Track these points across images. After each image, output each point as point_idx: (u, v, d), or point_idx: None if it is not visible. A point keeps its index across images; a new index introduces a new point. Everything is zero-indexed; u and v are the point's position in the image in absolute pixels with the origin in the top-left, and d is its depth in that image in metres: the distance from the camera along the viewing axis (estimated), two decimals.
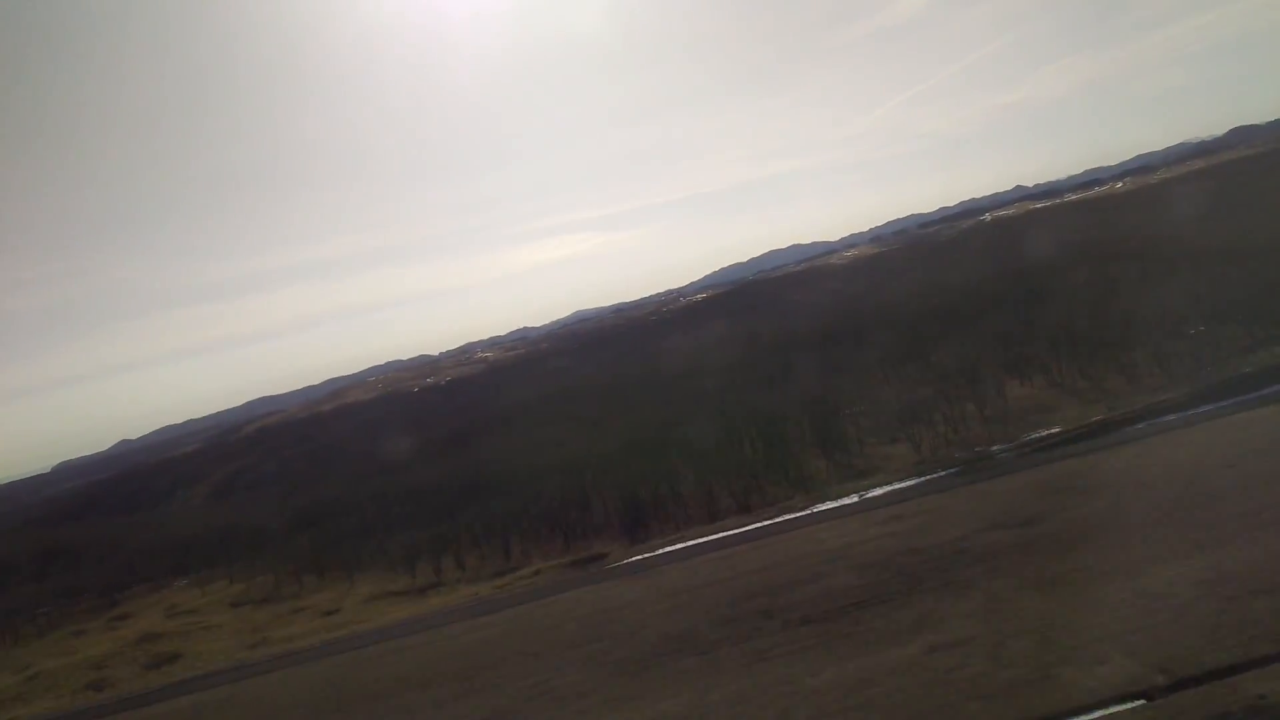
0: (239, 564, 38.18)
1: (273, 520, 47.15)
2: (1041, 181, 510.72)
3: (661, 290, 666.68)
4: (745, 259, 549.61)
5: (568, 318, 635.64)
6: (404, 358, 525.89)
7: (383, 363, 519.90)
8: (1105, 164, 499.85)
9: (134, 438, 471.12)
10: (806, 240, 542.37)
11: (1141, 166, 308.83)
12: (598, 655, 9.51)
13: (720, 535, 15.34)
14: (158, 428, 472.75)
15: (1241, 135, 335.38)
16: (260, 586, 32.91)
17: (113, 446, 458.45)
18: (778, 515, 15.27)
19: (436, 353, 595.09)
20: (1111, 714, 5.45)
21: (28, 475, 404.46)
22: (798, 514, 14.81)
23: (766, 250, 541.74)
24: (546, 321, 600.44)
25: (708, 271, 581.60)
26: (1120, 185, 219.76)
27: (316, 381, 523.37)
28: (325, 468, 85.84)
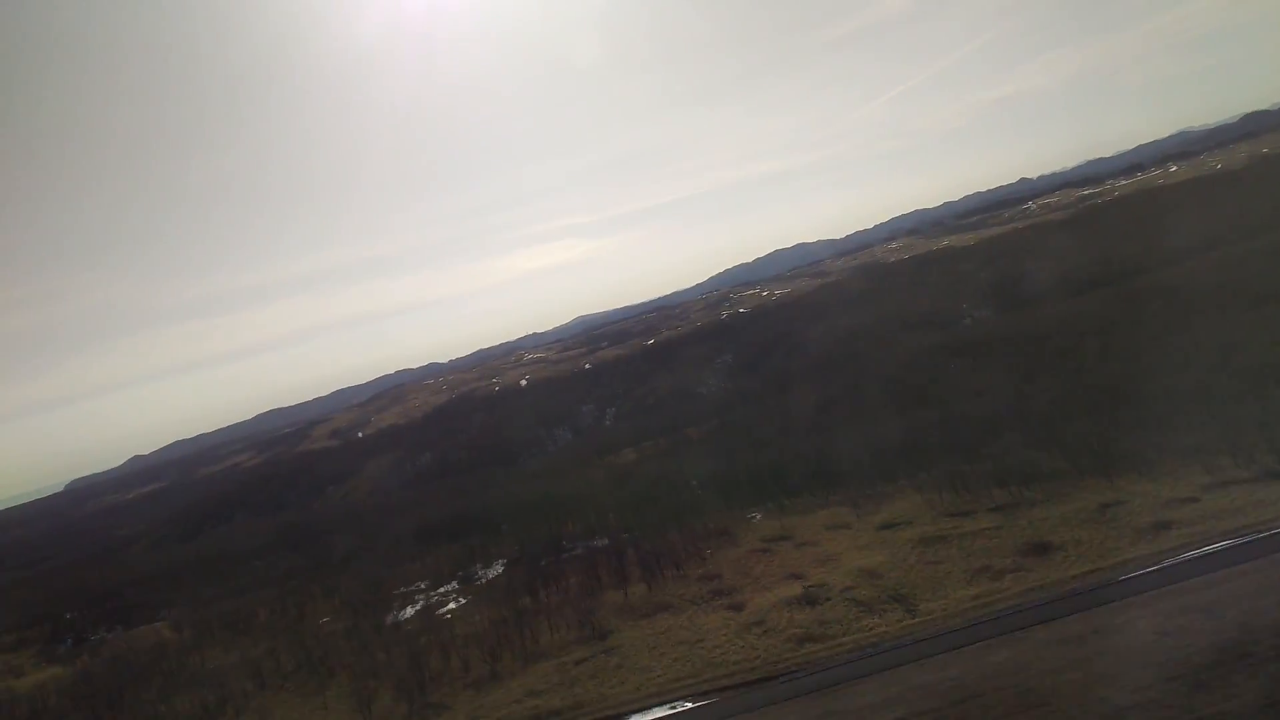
0: (844, 491, 40.52)
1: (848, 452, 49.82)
2: (1045, 173, 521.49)
3: (669, 292, 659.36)
4: (751, 259, 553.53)
5: (571, 323, 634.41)
6: (413, 366, 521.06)
7: (392, 372, 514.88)
8: (1103, 155, 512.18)
9: (146, 453, 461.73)
10: (812, 239, 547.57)
11: (1173, 153, 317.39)
12: None
13: None
14: (169, 443, 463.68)
15: (1255, 122, 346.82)
16: (937, 502, 35.13)
17: (126, 462, 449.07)
18: None
19: (445, 360, 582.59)
20: None
21: (41, 494, 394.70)
22: None
23: (772, 250, 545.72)
24: (552, 326, 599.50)
25: (714, 273, 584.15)
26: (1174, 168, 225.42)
27: (325, 393, 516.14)
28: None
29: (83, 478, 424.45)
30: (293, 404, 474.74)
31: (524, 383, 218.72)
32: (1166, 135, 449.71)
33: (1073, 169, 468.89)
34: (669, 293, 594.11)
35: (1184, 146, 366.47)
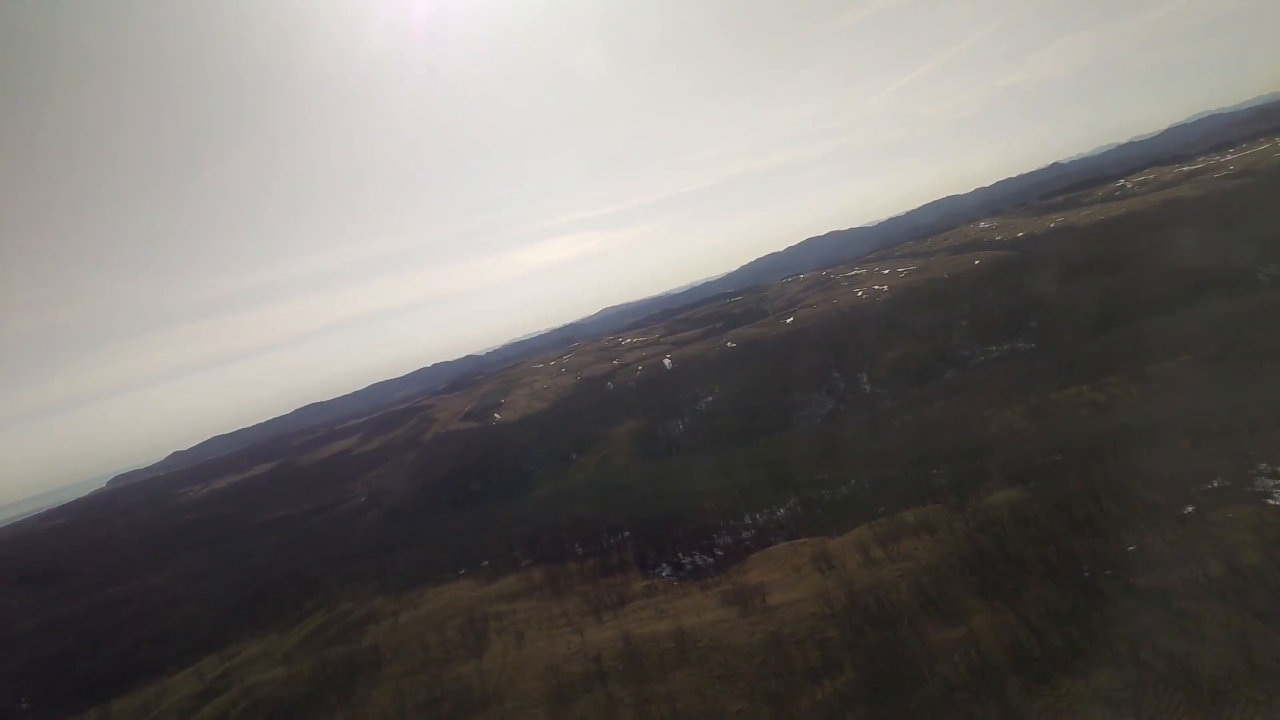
0: None
1: None
2: (1074, 157, 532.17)
3: (698, 282, 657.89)
4: (782, 248, 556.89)
5: (601, 313, 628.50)
6: (450, 359, 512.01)
7: (429, 365, 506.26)
8: (1118, 140, 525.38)
9: (186, 449, 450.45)
10: (845, 227, 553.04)
11: (1203, 136, 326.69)
12: None
13: None
14: (208, 438, 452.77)
15: None
16: None
17: (166, 458, 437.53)
18: None
19: (483, 351, 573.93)
20: None
21: (84, 489, 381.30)
22: None
23: (804, 239, 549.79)
24: (582, 316, 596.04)
25: (744, 262, 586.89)
26: None
27: (361, 386, 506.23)
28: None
29: (124, 474, 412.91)
30: (330, 398, 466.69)
31: (666, 361, 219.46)
32: (1191, 119, 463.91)
33: (1100, 153, 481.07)
34: (698, 282, 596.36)
35: (1216, 130, 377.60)
